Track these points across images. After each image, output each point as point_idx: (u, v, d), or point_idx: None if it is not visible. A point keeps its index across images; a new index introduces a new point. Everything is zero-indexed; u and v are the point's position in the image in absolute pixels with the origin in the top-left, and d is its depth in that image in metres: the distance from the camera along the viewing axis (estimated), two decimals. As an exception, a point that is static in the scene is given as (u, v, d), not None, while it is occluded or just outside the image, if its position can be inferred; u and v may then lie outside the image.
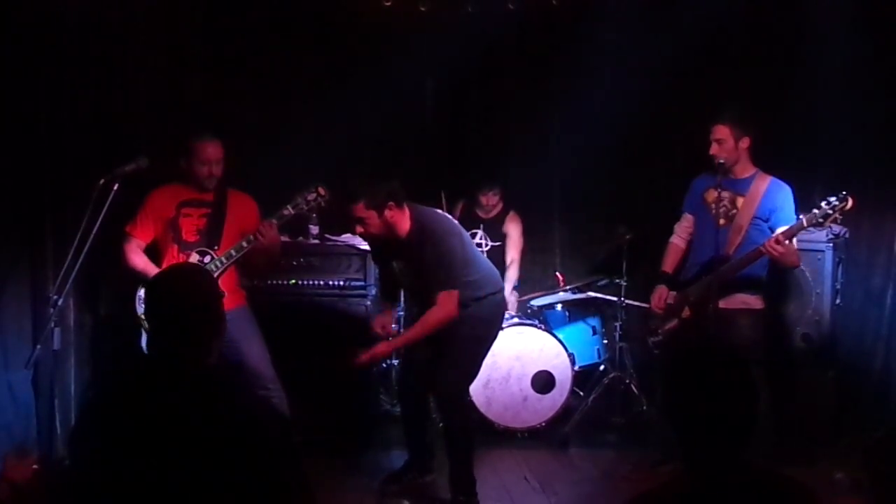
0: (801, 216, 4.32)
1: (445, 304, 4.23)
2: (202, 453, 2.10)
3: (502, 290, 4.64)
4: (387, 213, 4.21)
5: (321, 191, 4.49)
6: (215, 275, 4.43)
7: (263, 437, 2.15)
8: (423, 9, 5.58)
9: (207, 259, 4.51)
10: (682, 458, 2.11)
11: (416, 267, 4.33)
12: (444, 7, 5.65)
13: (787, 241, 4.27)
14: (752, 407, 2.10)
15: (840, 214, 4.19)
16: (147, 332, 4.50)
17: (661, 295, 4.84)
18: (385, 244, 4.42)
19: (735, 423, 2.08)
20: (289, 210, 4.49)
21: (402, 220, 4.28)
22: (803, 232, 4.41)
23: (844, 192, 4.17)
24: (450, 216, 4.55)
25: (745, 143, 4.55)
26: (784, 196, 4.54)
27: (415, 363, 4.63)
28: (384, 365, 5.65)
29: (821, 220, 4.21)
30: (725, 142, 4.55)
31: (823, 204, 4.18)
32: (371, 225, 4.23)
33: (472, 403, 4.85)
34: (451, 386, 4.39)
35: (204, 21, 5.53)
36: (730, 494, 2.04)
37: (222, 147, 4.57)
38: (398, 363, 5.45)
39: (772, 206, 4.52)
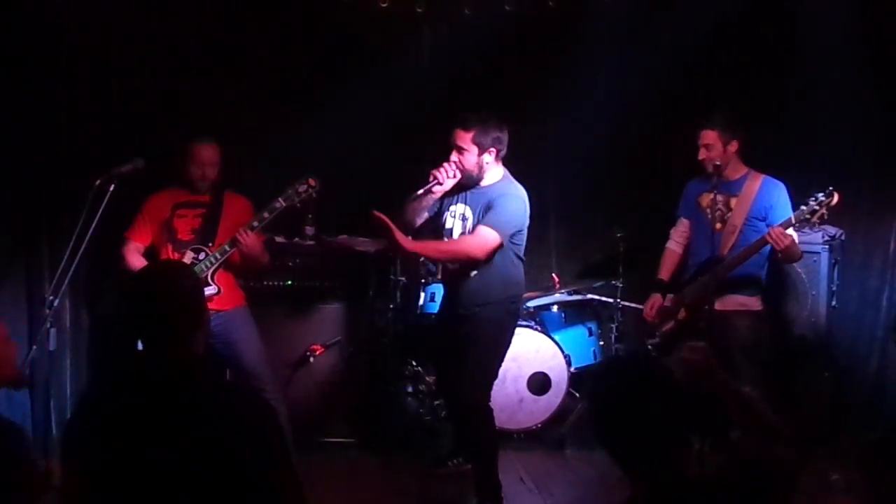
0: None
1: (479, 239, 4.17)
2: (189, 444, 2.12)
3: (518, 299, 4.53)
4: (485, 156, 4.24)
5: (312, 182, 4.49)
6: (211, 270, 4.46)
7: (251, 426, 2.17)
8: (419, 10, 5.58)
9: (202, 255, 4.51)
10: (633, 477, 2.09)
11: (476, 218, 4.28)
12: (442, 8, 5.65)
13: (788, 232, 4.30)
14: (675, 409, 2.07)
15: (827, 210, 4.21)
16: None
17: (654, 304, 4.84)
18: (455, 190, 4.37)
19: (666, 428, 2.06)
20: (280, 203, 4.49)
21: (493, 172, 4.31)
22: (800, 233, 4.43)
23: (831, 188, 4.19)
24: None
25: (733, 146, 4.57)
26: (778, 193, 4.55)
27: (448, 368, 4.60)
28: (419, 368, 5.62)
29: (808, 216, 4.23)
30: (713, 146, 4.57)
31: (811, 200, 4.22)
32: (466, 159, 4.23)
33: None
34: (471, 393, 4.34)
35: (200, 21, 5.52)
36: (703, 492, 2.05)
37: (218, 151, 4.59)
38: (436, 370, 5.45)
39: (767, 203, 4.53)
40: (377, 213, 4.13)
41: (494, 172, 4.32)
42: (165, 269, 2.68)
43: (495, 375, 4.46)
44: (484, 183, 4.32)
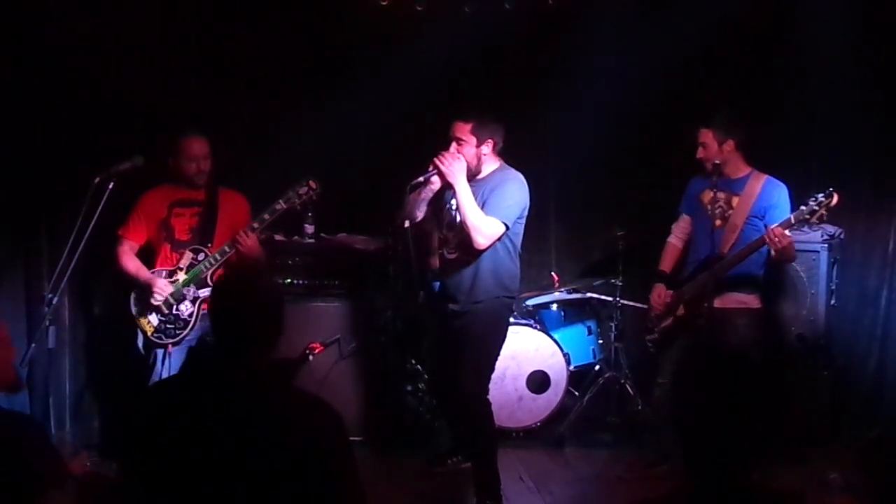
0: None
1: (490, 224, 4.22)
2: (258, 451, 2.11)
3: (514, 293, 4.57)
4: (483, 147, 4.34)
5: (312, 184, 4.51)
6: (210, 271, 4.46)
7: (321, 435, 2.17)
8: (419, 8, 5.58)
9: (201, 256, 4.51)
10: (687, 468, 2.07)
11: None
12: (441, 7, 5.64)
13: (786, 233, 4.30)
14: (763, 421, 2.09)
15: (826, 211, 4.22)
16: (154, 327, 4.52)
17: (660, 293, 4.85)
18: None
19: (746, 437, 2.05)
20: (281, 205, 4.51)
21: (489, 163, 4.40)
22: (799, 232, 4.43)
23: (830, 189, 4.19)
24: None
25: (728, 146, 4.58)
26: (779, 194, 4.56)
27: (443, 365, 4.65)
28: (419, 366, 5.61)
29: (807, 216, 4.24)
30: (709, 146, 4.61)
31: (810, 201, 4.23)
32: (464, 150, 4.31)
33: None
34: (469, 388, 4.39)
35: (199, 20, 5.52)
36: None
37: (208, 143, 4.60)
38: (429, 367, 5.44)
39: (767, 203, 4.54)
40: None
41: (491, 164, 4.41)
42: (250, 275, 2.59)
43: (493, 369, 4.52)
44: (481, 175, 4.39)
